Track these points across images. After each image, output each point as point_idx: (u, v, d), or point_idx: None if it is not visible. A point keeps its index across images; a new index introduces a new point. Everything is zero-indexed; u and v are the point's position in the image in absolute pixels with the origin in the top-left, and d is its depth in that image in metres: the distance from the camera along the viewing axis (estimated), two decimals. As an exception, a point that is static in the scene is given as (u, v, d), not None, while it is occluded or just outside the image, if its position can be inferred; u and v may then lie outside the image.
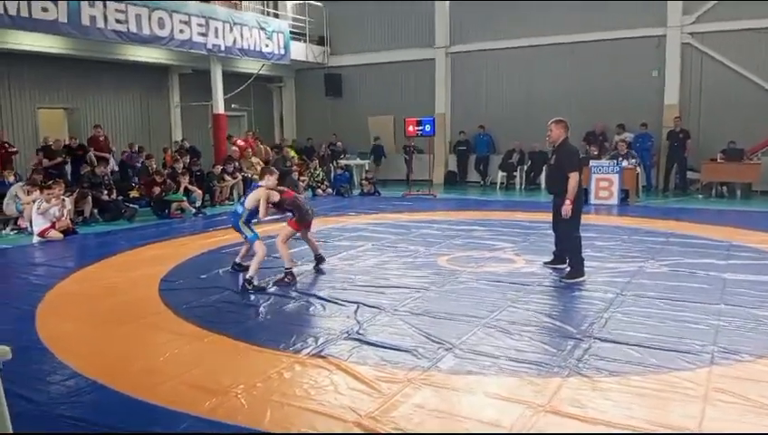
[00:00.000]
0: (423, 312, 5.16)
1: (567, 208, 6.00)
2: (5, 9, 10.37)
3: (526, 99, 16.30)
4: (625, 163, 12.54)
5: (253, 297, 5.78)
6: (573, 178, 5.96)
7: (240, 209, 6.52)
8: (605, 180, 12.31)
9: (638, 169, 13.20)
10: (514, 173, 16.03)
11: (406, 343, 4.38)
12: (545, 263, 6.78)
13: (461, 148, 17.19)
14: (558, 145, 6.20)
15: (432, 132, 14.82)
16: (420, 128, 14.68)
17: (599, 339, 4.41)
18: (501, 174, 16.23)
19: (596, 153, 13.38)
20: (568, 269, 6.28)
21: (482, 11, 16.52)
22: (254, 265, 6.15)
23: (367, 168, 16.55)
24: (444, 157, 17.64)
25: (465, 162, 17.40)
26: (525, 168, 15.90)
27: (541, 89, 16.04)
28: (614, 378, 3.74)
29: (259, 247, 6.26)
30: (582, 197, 6.34)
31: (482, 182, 17.04)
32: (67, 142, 12.97)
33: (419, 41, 17.65)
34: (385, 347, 4.32)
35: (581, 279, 6.07)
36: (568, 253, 6.33)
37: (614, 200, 12.16)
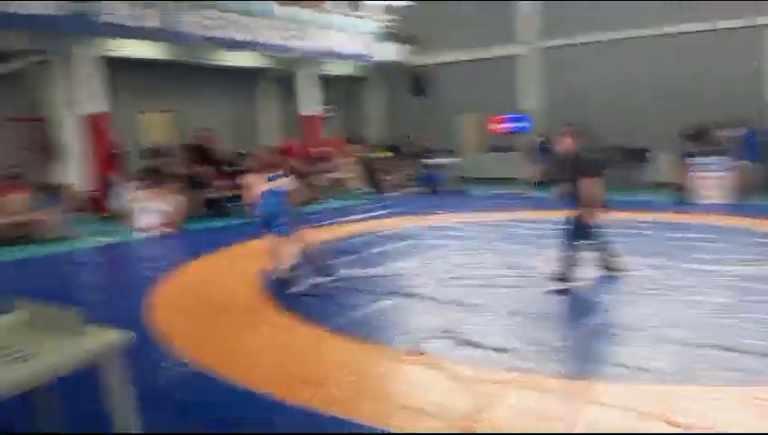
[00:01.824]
0: (522, 313, 5.03)
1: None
2: (111, 19, 11.08)
3: (621, 93, 15.56)
4: (731, 160, 11.71)
5: (348, 293, 5.84)
6: (588, 183, 5.72)
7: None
8: (711, 178, 11.55)
9: (746, 167, 12.28)
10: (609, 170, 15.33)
11: (504, 344, 4.28)
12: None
13: (545, 146, 16.65)
14: (572, 154, 6.01)
15: (524, 130, 14.49)
16: (510, 125, 14.38)
17: (717, 347, 4.11)
18: (597, 172, 15.57)
19: (696, 150, 12.57)
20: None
21: (575, 3, 15.94)
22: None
23: (455, 166, 16.39)
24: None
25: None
26: (622, 165, 15.16)
27: (637, 83, 15.26)
28: (734, 389, 3.48)
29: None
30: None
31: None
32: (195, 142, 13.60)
33: (508, 37, 17.27)
34: (482, 347, 4.24)
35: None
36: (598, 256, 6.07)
37: (724, 199, 11.39)
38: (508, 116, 14.43)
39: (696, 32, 14.22)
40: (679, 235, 8.27)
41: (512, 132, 14.59)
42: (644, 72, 15.19)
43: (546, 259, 6.96)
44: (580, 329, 4.56)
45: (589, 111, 15.98)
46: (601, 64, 15.98)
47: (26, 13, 9.98)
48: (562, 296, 5.48)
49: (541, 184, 16.46)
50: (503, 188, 14.72)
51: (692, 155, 11.93)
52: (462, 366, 3.90)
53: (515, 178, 15.30)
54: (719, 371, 3.71)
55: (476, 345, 4.27)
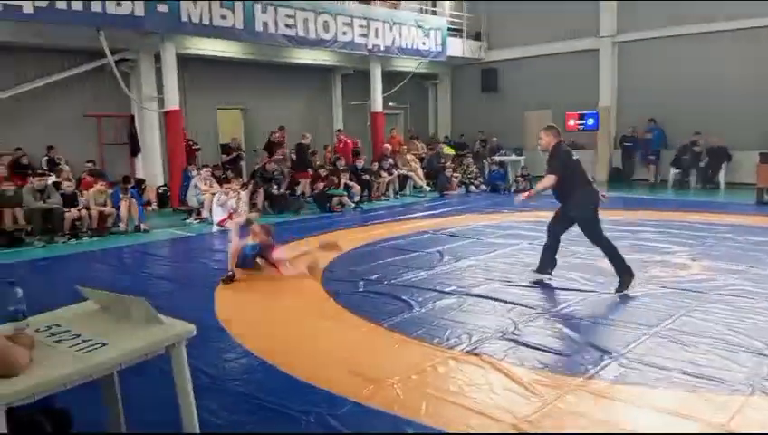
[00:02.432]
0: (584, 316, 4.89)
1: (520, 197, 6.17)
2: (189, 18, 11.55)
3: (703, 90, 14.80)
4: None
5: (408, 290, 5.84)
6: (549, 180, 5.82)
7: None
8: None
9: None
10: (690, 170, 14.68)
11: (565, 348, 4.18)
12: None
13: (627, 143, 16.07)
14: (550, 151, 6.03)
15: (595, 127, 14.06)
16: (582, 122, 13.99)
17: (792, 358, 3.88)
18: (673, 171, 14.96)
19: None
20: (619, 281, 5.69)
21: (653, -6, 15.32)
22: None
23: (522, 164, 16.10)
24: (608, 152, 16.62)
25: (631, 158, 16.23)
26: (702, 164, 14.50)
27: (719, 79, 14.47)
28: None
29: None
30: (594, 198, 5.88)
31: (651, 180, 15.82)
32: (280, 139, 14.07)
33: (581, 31, 16.77)
34: (543, 350, 4.15)
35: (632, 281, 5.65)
36: (610, 260, 5.81)
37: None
38: (580, 112, 14.05)
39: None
40: (760, 238, 7.83)
41: (582, 129, 14.18)
42: (727, 69, 14.40)
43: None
44: (646, 334, 4.38)
45: (664, 107, 15.39)
46: (679, 60, 15.29)
47: (111, 12, 10.52)
48: (625, 300, 5.30)
49: (615, 182, 16.00)
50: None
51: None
52: (522, 369, 3.84)
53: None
54: (800, 385, 3.49)
55: (537, 348, 4.19)
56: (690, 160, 14.61)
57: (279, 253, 6.64)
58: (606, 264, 6.65)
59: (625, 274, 5.69)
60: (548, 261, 6.07)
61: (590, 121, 13.92)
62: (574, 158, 5.92)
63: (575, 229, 8.62)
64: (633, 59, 16.12)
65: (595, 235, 5.87)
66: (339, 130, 15.90)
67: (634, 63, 16.11)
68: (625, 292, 5.56)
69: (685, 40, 15.07)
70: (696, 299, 5.27)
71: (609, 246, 5.80)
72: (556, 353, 4.08)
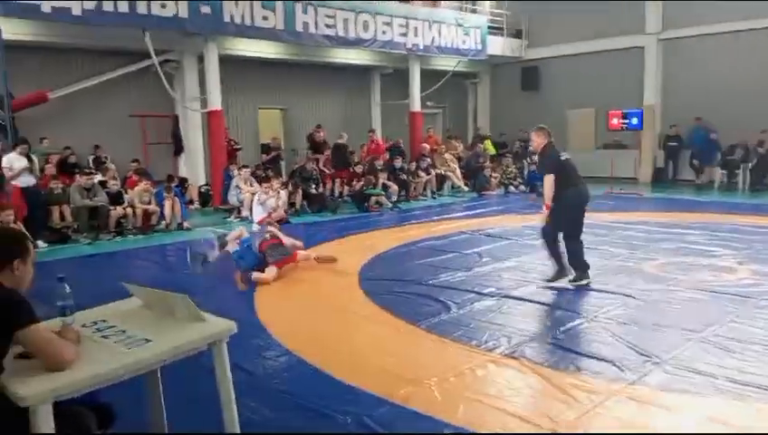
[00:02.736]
0: (627, 320, 4.78)
1: (543, 215, 5.99)
2: (232, 19, 11.73)
3: (754, 88, 14.33)
4: None
5: (446, 292, 5.81)
6: (548, 180, 5.90)
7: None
8: None
9: None
10: (737, 171, 14.23)
11: (607, 353, 4.08)
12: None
13: (672, 143, 15.64)
14: (539, 152, 6.25)
15: (639, 126, 13.74)
16: (626, 121, 13.69)
17: None
18: (720, 172, 14.51)
19: None
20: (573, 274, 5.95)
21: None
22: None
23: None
24: (652, 152, 16.22)
25: (675, 159, 15.80)
26: (750, 165, 14.03)
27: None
28: None
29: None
30: (576, 200, 5.92)
31: (697, 181, 15.38)
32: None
33: (626, 28, 16.40)
34: (584, 355, 4.07)
35: (586, 281, 5.88)
36: (569, 257, 5.97)
37: None
38: (623, 111, 13.75)
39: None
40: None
41: (625, 128, 13.89)
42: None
43: (659, 265, 6.60)
44: (691, 340, 4.26)
45: (710, 106, 14.94)
46: (726, 57, 14.83)
47: (155, 13, 10.78)
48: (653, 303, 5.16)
49: (659, 183, 15.63)
50: (614, 187, 14.02)
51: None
52: (562, 373, 3.77)
53: (632, 178, 14.55)
54: None
55: (577, 352, 4.11)
56: (739, 161, 14.15)
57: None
58: (648, 266, 6.54)
59: (580, 267, 5.93)
60: (579, 264, 5.98)
61: (635, 121, 13.61)
62: (563, 159, 6.01)
63: (617, 232, 8.48)
64: (679, 56, 15.69)
65: (569, 228, 5.95)
66: (371, 131, 15.78)
67: (680, 61, 15.69)
68: (579, 283, 5.85)
69: (732, 37, 14.60)
70: (743, 304, 5.10)
71: (573, 246, 5.94)
72: (597, 358, 3.99)
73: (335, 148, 13.88)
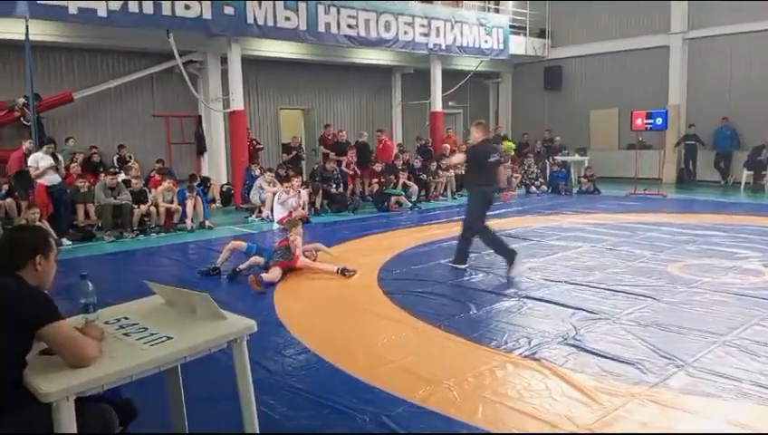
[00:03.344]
0: (650, 323, 4.71)
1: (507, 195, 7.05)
2: (255, 20, 11.82)
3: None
4: None
5: (467, 292, 5.78)
6: (460, 157, 6.92)
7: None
8: None
9: None
10: (764, 172, 13.96)
11: (629, 355, 4.03)
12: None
13: (689, 142, 15.40)
14: (473, 145, 6.87)
15: (664, 126, 13.55)
16: (650, 121, 13.51)
17: None
18: (746, 172, 14.25)
19: None
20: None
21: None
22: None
23: (586, 164, 15.68)
24: (677, 153, 15.99)
25: (694, 158, 15.57)
26: (777, 166, 13.76)
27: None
28: None
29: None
30: (483, 198, 6.63)
31: (722, 182, 15.12)
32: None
33: (650, 28, 16.21)
34: (605, 357, 4.02)
35: (464, 266, 6.61)
36: (461, 244, 6.69)
37: None
38: (647, 111, 13.58)
39: None
40: None
41: (650, 129, 13.71)
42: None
43: (683, 267, 6.50)
44: (715, 343, 4.18)
45: (737, 106, 14.70)
46: (753, 56, 14.60)
47: (180, 15, 10.90)
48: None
49: (683, 183, 15.39)
50: (638, 188, 13.83)
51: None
52: (583, 376, 3.73)
53: (656, 178, 14.35)
54: None
55: (599, 354, 4.06)
56: (765, 162, 13.88)
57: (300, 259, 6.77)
58: (672, 268, 6.45)
59: (460, 258, 6.66)
60: (465, 254, 6.69)
61: (659, 121, 13.37)
62: (490, 160, 6.52)
63: (640, 233, 8.39)
64: (705, 56, 15.46)
65: (472, 219, 6.62)
66: (380, 131, 15.27)
67: (706, 61, 15.45)
68: (456, 266, 6.62)
69: (759, 36, 14.34)
70: (769, 307, 5.00)
71: (481, 236, 6.58)
72: (619, 361, 3.94)
73: (357, 147, 13.90)
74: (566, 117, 17.85)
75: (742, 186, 14.28)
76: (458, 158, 6.97)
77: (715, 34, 15.07)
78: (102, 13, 10.08)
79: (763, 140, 13.91)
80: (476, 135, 6.71)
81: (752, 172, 14.18)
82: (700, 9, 15.29)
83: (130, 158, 11.95)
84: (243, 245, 7.00)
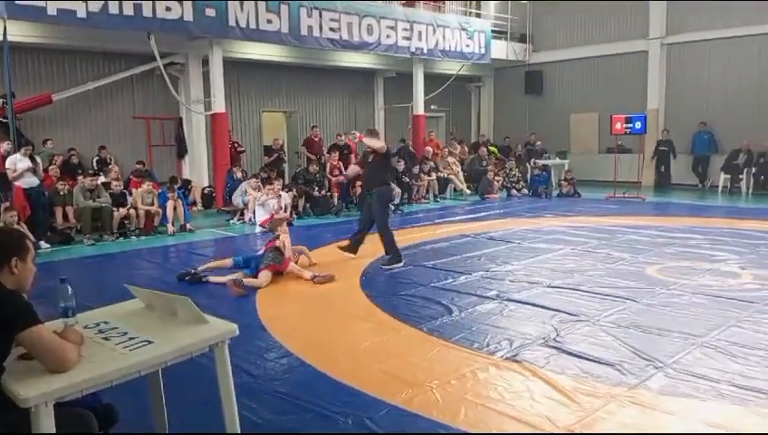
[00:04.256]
0: (629, 324, 4.77)
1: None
2: (237, 22, 11.77)
3: (757, 93, 14.34)
4: None
5: (448, 295, 5.80)
6: (381, 143, 7.31)
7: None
8: None
9: None
10: (740, 176, 14.21)
11: (609, 357, 4.08)
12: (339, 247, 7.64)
13: (662, 148, 15.63)
14: (383, 153, 7.32)
15: (643, 130, 13.74)
16: (629, 125, 13.69)
17: None
18: (724, 176, 14.50)
19: None
20: (387, 258, 7.13)
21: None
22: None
23: (567, 167, 15.83)
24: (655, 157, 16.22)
25: (666, 164, 15.79)
26: (754, 170, 14.01)
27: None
28: None
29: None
30: (388, 196, 7.80)
31: (700, 185, 15.36)
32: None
33: (630, 33, 16.45)
34: (585, 358, 4.06)
35: (400, 265, 7.04)
36: (384, 244, 7.20)
37: None
38: (627, 115, 13.78)
39: None
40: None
41: (629, 133, 13.90)
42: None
43: (662, 269, 6.59)
44: (693, 344, 4.25)
45: (714, 110, 14.96)
46: (730, 62, 14.87)
47: (161, 17, 10.80)
48: (664, 308, 5.15)
49: (662, 187, 15.60)
50: (617, 191, 14.00)
51: None
52: (564, 377, 3.76)
53: (635, 182, 14.54)
54: None
55: (580, 356, 4.10)
56: (742, 166, 14.14)
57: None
58: (651, 270, 6.53)
59: (393, 255, 7.11)
60: (395, 249, 7.17)
61: (638, 125, 13.56)
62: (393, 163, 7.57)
63: (619, 236, 8.51)
64: (683, 61, 15.71)
65: (377, 213, 7.22)
66: (341, 134, 14.32)
67: (684, 66, 15.70)
68: (391, 267, 6.98)
69: (736, 42, 14.61)
70: (746, 309, 5.09)
71: (386, 230, 7.21)
72: (599, 362, 3.99)
73: (333, 148, 13.82)
74: (546, 121, 18.02)
75: (719, 189, 14.52)
76: (379, 143, 7.29)
77: (693, 40, 15.34)
78: (82, 14, 9.96)
79: (740, 144, 14.17)
80: (380, 144, 7.28)
81: (729, 176, 14.43)
82: (678, 15, 15.54)
83: (110, 160, 11.82)
84: (227, 262, 6.86)
